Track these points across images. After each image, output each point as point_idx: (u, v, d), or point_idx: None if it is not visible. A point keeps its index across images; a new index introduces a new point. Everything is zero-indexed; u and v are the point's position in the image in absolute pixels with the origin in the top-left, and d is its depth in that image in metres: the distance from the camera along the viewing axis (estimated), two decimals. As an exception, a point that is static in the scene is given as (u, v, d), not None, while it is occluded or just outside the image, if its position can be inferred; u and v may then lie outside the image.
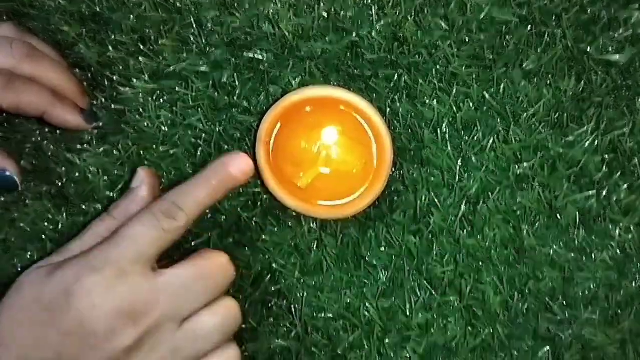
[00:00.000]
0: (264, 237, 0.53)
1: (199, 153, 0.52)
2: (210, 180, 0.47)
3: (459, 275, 0.53)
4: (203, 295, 0.45)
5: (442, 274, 0.53)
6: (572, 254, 0.53)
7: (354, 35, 0.52)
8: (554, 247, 0.53)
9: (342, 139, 0.52)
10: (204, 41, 0.52)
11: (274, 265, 0.53)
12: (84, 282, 0.42)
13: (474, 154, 0.53)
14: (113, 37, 0.52)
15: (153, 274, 0.44)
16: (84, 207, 0.52)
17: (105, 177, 0.52)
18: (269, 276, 0.53)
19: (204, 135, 0.52)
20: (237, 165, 0.47)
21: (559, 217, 0.53)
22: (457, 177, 0.53)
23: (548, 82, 0.53)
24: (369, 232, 0.53)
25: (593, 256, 0.53)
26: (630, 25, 0.53)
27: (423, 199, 0.53)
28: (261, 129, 0.50)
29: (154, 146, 0.52)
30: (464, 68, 0.53)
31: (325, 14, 0.52)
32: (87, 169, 0.52)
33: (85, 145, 0.52)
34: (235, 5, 0.52)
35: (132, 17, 0.52)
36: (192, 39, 0.52)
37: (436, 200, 0.53)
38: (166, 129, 0.52)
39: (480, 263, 0.53)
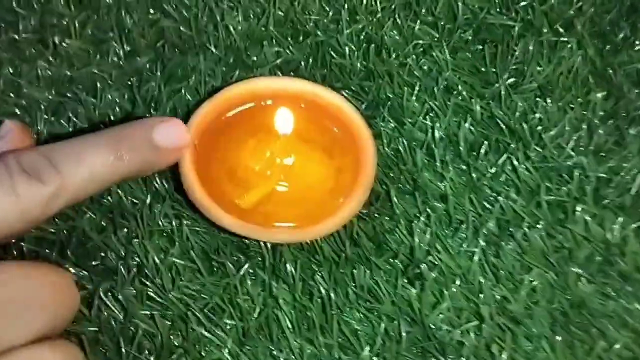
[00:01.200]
0: (181, 281, 0.35)
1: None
2: (117, 144, 0.30)
3: (485, 346, 0.34)
4: (24, 325, 0.26)
5: (458, 342, 0.34)
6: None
7: (318, 36, 0.42)
8: (622, 299, 0.35)
9: (304, 146, 0.38)
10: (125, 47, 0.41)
11: (193, 328, 0.34)
12: None
13: (486, 179, 0.38)
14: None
15: None
16: None
17: None
18: (183, 343, 0.33)
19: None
20: (166, 133, 0.32)
21: (617, 258, 0.36)
22: (467, 209, 0.37)
23: (570, 98, 0.41)
24: (345, 279, 0.35)
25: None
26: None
27: (421, 236, 0.36)
28: (189, 125, 0.36)
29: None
30: (460, 78, 0.41)
31: (281, 14, 0.42)
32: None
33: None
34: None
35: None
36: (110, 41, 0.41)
37: (440, 238, 0.37)
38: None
39: (516, 324, 0.34)
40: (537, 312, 0.35)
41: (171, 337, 0.34)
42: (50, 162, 0.28)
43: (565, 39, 0.43)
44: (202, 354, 0.33)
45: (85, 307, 0.34)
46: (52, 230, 0.36)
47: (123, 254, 0.35)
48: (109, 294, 0.34)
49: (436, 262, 0.36)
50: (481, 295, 0.35)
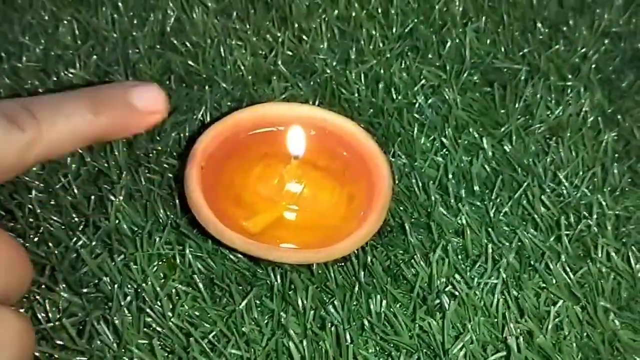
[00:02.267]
0: (182, 308, 0.32)
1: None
2: (95, 101, 0.31)
3: (516, 384, 0.31)
4: None
5: (485, 378, 0.31)
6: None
7: (327, 73, 0.41)
8: (658, 334, 0.33)
9: (315, 172, 0.36)
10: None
11: (195, 357, 0.31)
12: None
13: (502, 214, 0.37)
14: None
15: None
16: None
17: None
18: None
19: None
20: (144, 95, 0.33)
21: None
22: (484, 242, 0.36)
23: (580, 139, 0.40)
24: (359, 309, 0.33)
25: None
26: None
27: (439, 267, 0.34)
28: (195, 149, 0.34)
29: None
30: (469, 117, 0.41)
31: (290, 53, 0.42)
32: None
33: None
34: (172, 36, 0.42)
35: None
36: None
37: (459, 270, 0.34)
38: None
39: (546, 359, 0.32)
40: (567, 347, 0.32)
41: (169, 368, 0.30)
42: (30, 112, 0.29)
43: (572, 84, 0.43)
44: (204, 387, 0.30)
45: (75, 335, 0.30)
46: (43, 254, 0.33)
47: (119, 279, 0.32)
48: (102, 321, 0.31)
49: (456, 293, 0.33)
50: (506, 328, 0.32)
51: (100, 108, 0.31)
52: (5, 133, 0.28)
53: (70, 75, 0.40)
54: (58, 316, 0.31)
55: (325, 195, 0.36)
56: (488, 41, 0.44)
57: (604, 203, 0.37)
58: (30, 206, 0.34)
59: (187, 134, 0.38)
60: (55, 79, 0.40)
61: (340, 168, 0.36)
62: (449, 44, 0.43)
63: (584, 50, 0.44)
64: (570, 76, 0.43)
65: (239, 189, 0.35)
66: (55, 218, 0.34)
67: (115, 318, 0.31)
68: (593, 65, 0.44)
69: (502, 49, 0.44)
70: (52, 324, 0.30)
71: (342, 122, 0.36)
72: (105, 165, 0.36)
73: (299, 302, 0.32)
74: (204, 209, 0.32)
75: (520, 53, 0.44)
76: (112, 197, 0.35)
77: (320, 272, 0.33)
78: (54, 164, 0.36)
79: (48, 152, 0.29)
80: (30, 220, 0.34)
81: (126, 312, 0.31)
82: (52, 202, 0.35)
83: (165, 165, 0.37)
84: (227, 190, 0.35)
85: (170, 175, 0.36)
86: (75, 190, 0.35)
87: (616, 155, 0.40)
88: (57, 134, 0.30)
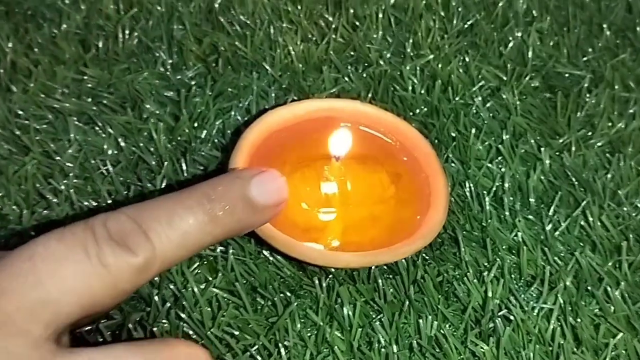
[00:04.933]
0: (223, 317, 0.30)
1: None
2: (211, 203, 0.25)
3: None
4: None
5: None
6: None
7: (380, 66, 0.39)
8: None
9: (359, 168, 0.34)
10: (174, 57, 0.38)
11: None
12: None
13: (559, 233, 0.35)
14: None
15: (60, 351, 0.22)
16: None
17: None
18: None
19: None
20: (264, 187, 0.27)
21: None
22: (540, 263, 0.34)
23: (641, 156, 0.38)
24: (408, 329, 0.31)
25: None
26: None
27: (493, 287, 0.32)
28: (238, 151, 0.32)
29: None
30: (528, 124, 0.38)
31: (342, 40, 0.40)
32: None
33: None
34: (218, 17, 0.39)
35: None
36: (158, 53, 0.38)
37: (514, 292, 0.33)
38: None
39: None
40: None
41: (208, 380, 0.29)
42: (140, 227, 0.24)
43: (637, 96, 0.40)
44: (243, 402, 0.28)
45: (111, 341, 0.29)
46: (78, 246, 0.31)
47: (158, 281, 0.31)
48: (139, 327, 0.29)
49: (511, 318, 0.31)
50: (561, 359, 0.31)
51: (217, 210, 0.25)
52: (117, 259, 0.23)
53: (109, 48, 0.38)
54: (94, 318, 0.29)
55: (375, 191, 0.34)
56: (551, 43, 0.42)
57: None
58: (66, 192, 0.32)
59: (231, 123, 0.36)
60: (95, 52, 0.37)
61: (392, 168, 0.34)
62: (510, 43, 0.41)
63: (651, 60, 0.42)
64: (635, 87, 0.41)
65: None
66: (91, 206, 0.32)
67: (152, 325, 0.29)
68: (660, 77, 0.41)
69: (566, 53, 0.42)
70: (88, 327, 0.29)
71: (402, 125, 0.34)
72: (145, 152, 0.34)
73: (345, 317, 0.31)
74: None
75: (585, 59, 0.41)
76: (150, 187, 0.33)
77: (369, 283, 0.32)
78: (91, 147, 0.34)
79: (162, 269, 0.24)
80: (66, 207, 0.32)
81: (164, 319, 0.29)
82: (88, 189, 0.33)
83: (208, 156, 0.35)
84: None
85: (214, 167, 0.34)
86: (113, 177, 0.33)
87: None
88: (172, 251, 0.24)
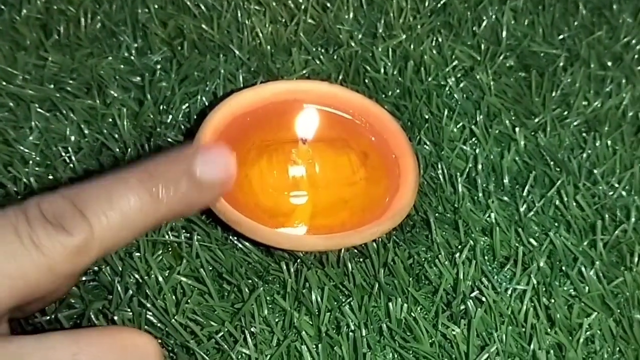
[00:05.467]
0: (187, 304, 0.29)
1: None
2: (152, 181, 0.24)
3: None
4: None
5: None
6: None
7: (352, 47, 0.38)
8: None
9: (328, 150, 0.33)
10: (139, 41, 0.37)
11: (200, 359, 0.28)
12: None
13: (533, 213, 0.34)
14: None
15: None
16: None
17: None
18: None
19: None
20: (210, 163, 0.25)
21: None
22: (514, 244, 0.33)
23: (618, 136, 0.38)
24: (378, 312, 0.30)
25: None
26: None
27: (465, 269, 0.32)
28: (201, 135, 0.31)
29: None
30: (503, 104, 0.38)
31: (312, 22, 0.39)
32: None
33: None
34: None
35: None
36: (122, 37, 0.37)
37: (486, 274, 0.32)
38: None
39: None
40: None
41: (172, 369, 0.28)
42: (76, 207, 0.22)
43: (613, 74, 0.40)
44: (208, 390, 0.28)
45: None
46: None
47: (120, 269, 0.30)
48: (101, 315, 0.29)
49: (483, 299, 0.31)
50: (535, 340, 0.30)
51: (159, 188, 0.24)
52: (50, 240, 0.22)
53: (71, 33, 0.37)
54: (55, 308, 0.28)
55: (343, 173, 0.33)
56: (526, 22, 0.41)
57: (641, 207, 0.35)
58: (26, 180, 0.31)
59: (198, 107, 0.35)
60: (56, 37, 0.37)
61: (361, 148, 0.33)
62: (484, 22, 0.40)
63: (627, 38, 0.41)
64: (611, 65, 0.40)
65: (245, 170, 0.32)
66: (52, 194, 0.31)
67: (114, 313, 0.28)
68: (636, 56, 0.41)
69: (541, 32, 0.41)
70: (47, 317, 0.28)
71: (367, 103, 0.33)
72: (109, 138, 0.33)
73: (314, 302, 0.30)
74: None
75: (560, 37, 0.41)
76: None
77: (338, 267, 0.31)
78: (53, 134, 0.33)
79: (102, 251, 0.23)
80: (26, 196, 0.31)
81: (127, 307, 0.29)
82: (50, 177, 0.32)
83: (173, 142, 0.34)
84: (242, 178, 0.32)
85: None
86: (75, 165, 0.32)
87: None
88: (112, 232, 0.23)
